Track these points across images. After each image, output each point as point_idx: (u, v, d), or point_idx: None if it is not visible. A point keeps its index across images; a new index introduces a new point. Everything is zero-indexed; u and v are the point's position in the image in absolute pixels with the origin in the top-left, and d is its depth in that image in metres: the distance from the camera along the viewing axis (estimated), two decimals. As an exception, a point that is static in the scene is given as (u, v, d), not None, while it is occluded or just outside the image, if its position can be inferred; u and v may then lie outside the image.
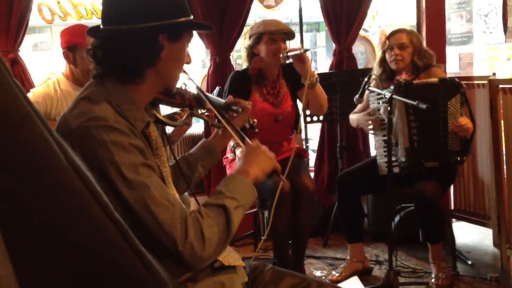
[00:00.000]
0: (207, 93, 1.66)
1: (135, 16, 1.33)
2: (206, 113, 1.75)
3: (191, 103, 1.65)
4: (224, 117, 1.64)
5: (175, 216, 1.23)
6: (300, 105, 3.18)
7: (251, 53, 3.01)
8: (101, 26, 1.39)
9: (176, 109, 2.29)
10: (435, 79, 2.99)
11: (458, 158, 2.97)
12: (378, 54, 3.27)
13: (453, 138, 2.93)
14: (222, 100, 1.87)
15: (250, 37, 3.01)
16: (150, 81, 1.38)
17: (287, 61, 2.92)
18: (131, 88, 1.37)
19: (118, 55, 1.34)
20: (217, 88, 3.14)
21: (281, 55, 2.86)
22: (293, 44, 3.83)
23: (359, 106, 3.28)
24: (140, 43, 1.34)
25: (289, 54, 2.81)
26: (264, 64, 2.99)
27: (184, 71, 1.55)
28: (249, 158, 1.50)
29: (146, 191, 1.21)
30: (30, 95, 2.84)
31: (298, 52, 2.76)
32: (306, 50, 2.77)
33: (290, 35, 2.98)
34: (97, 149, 1.21)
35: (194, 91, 1.66)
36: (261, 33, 2.92)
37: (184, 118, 1.69)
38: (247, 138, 1.57)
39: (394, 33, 3.16)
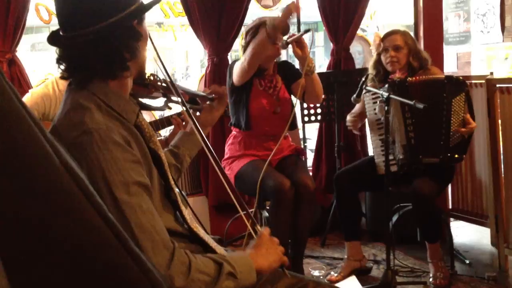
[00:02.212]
0: (175, 82, 1.66)
1: (106, 12, 1.30)
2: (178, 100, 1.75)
3: (165, 92, 1.67)
4: (186, 107, 1.64)
5: (157, 244, 1.21)
6: (294, 100, 3.22)
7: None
8: (63, 33, 1.33)
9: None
10: (441, 76, 3.01)
11: (456, 156, 2.99)
12: (373, 55, 3.26)
13: (454, 135, 2.94)
14: (201, 93, 1.91)
15: (247, 34, 3.04)
16: (132, 69, 1.38)
17: (285, 49, 2.97)
18: (114, 83, 1.35)
19: (103, 55, 1.31)
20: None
21: (280, 44, 2.89)
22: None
23: (356, 107, 3.29)
24: (122, 35, 1.32)
25: (289, 40, 2.83)
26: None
27: (162, 63, 1.54)
28: (260, 249, 1.45)
29: (132, 214, 1.20)
30: (29, 95, 2.83)
31: (297, 35, 2.80)
32: (306, 31, 2.79)
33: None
34: (90, 166, 1.19)
35: (165, 81, 1.68)
36: (257, 25, 2.96)
37: (163, 104, 1.72)
38: (259, 227, 1.54)
39: (388, 34, 3.16)
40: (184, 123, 2.60)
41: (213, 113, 1.91)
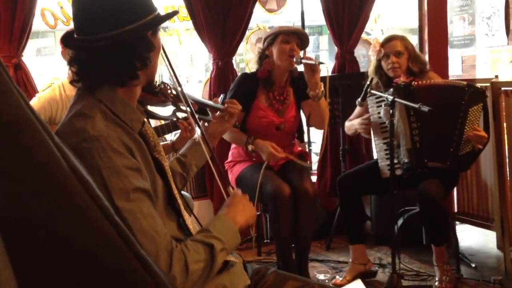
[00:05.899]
0: (185, 92, 1.68)
1: (121, 19, 1.30)
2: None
3: (174, 100, 1.69)
4: (195, 117, 1.67)
5: (160, 247, 1.23)
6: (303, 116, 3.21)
7: (263, 55, 3.02)
8: (77, 36, 1.34)
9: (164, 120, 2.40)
10: (463, 82, 2.99)
11: (463, 166, 2.98)
12: (373, 61, 3.23)
13: (465, 144, 2.92)
14: (212, 103, 1.92)
15: (264, 40, 3.02)
16: (141, 78, 1.39)
17: (297, 66, 2.94)
18: (122, 91, 1.35)
19: (114, 62, 1.31)
20: (222, 95, 3.14)
21: (294, 59, 2.87)
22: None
23: (355, 112, 3.30)
24: (135, 44, 1.32)
25: (303, 61, 2.80)
26: (274, 67, 2.98)
27: (174, 72, 1.56)
28: (237, 207, 1.51)
29: (134, 220, 1.21)
30: (36, 99, 2.85)
31: (312, 62, 2.77)
32: (321, 63, 2.77)
33: (304, 41, 2.97)
34: (89, 173, 1.15)
35: (175, 89, 1.69)
36: (276, 33, 2.94)
37: (171, 113, 1.74)
38: (231, 186, 1.61)
39: (388, 40, 3.15)
40: (190, 127, 2.59)
41: (223, 125, 1.93)
